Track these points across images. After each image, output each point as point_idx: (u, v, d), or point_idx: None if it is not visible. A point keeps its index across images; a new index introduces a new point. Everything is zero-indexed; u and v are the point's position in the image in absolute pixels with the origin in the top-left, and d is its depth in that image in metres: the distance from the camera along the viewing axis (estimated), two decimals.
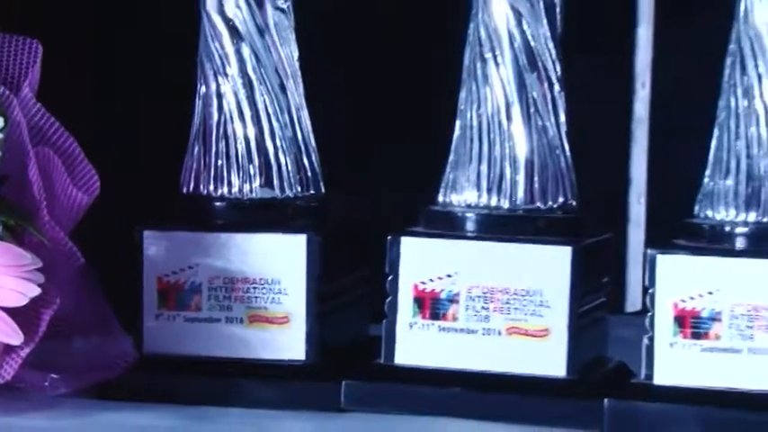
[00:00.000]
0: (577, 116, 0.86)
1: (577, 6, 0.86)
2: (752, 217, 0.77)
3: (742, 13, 0.78)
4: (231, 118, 0.85)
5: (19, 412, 0.77)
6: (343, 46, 0.99)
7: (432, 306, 0.81)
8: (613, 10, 1.34)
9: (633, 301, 1.14)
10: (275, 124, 0.85)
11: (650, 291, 0.78)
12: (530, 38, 0.81)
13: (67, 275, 0.79)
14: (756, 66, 0.78)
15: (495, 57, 0.82)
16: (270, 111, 0.85)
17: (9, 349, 0.76)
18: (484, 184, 0.82)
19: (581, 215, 0.83)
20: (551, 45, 0.82)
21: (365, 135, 0.92)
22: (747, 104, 0.78)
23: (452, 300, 0.80)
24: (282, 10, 0.85)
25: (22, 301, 0.75)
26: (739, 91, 0.78)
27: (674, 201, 0.83)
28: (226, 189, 0.85)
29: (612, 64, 1.34)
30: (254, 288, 0.83)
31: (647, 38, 1.36)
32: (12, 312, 0.76)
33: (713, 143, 0.80)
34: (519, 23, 0.81)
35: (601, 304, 0.83)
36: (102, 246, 0.83)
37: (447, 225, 0.82)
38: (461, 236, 0.81)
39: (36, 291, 0.75)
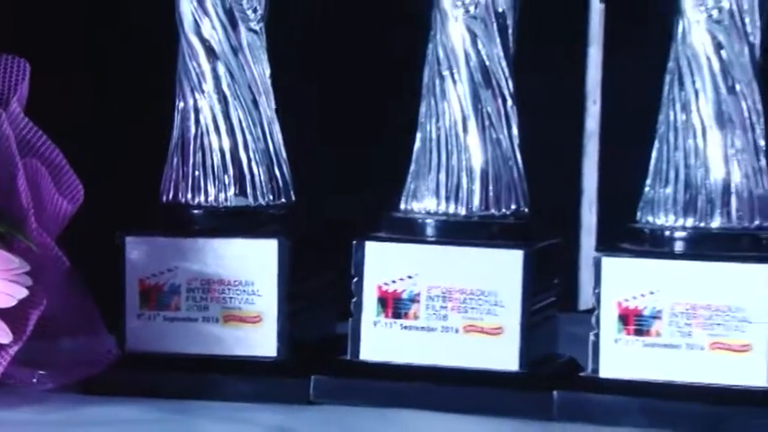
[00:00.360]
0: (534, 131, 0.86)
1: (532, 28, 0.86)
2: (689, 222, 0.78)
3: (680, 35, 0.79)
4: (207, 131, 0.85)
5: (8, 406, 0.77)
6: (312, 64, 0.99)
7: (394, 306, 0.81)
8: (566, 32, 1.34)
9: (585, 301, 1.14)
10: (248, 137, 0.85)
11: (596, 291, 0.78)
12: (484, 57, 0.81)
13: (54, 278, 0.79)
14: (693, 82, 0.78)
15: (452, 74, 0.82)
16: (243, 125, 0.84)
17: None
18: (442, 193, 0.82)
19: (532, 221, 0.83)
20: (504, 64, 0.82)
21: (333, 147, 0.92)
22: (685, 118, 0.78)
23: (413, 300, 0.80)
24: (255, 31, 0.85)
25: (11, 303, 0.75)
26: (678, 106, 0.79)
27: (622, 209, 0.83)
28: (202, 197, 0.85)
29: (566, 82, 1.34)
30: (229, 289, 0.83)
31: (597, 58, 1.36)
32: (1, 313, 0.75)
33: (654, 154, 0.80)
34: (474, 44, 0.81)
35: (551, 303, 0.83)
36: (88, 250, 0.81)
37: (408, 230, 0.82)
38: (422, 240, 0.81)
39: (24, 293, 0.75)
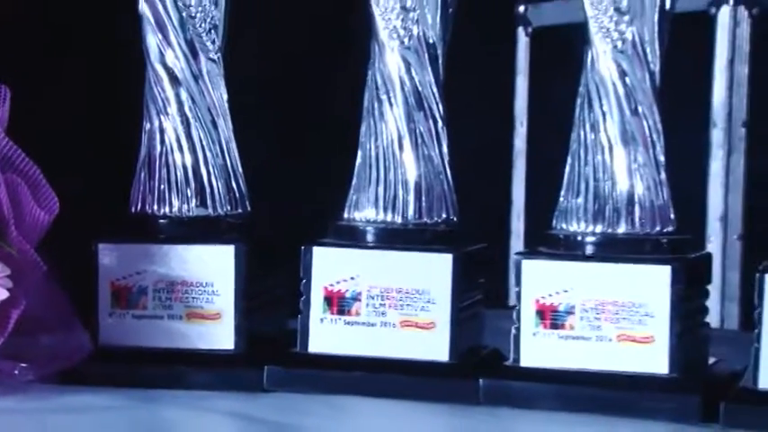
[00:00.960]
0: (469, 149, 0.86)
1: (470, 58, 0.86)
2: (598, 229, 0.78)
3: (589, 63, 0.79)
4: (171, 149, 0.84)
5: None
6: (266, 87, 0.98)
7: (338, 304, 0.81)
8: (498, 62, 1.35)
9: (513, 298, 1.15)
10: (208, 154, 0.84)
11: (516, 289, 0.78)
12: (417, 83, 0.82)
13: (33, 281, 0.78)
14: (601, 105, 0.79)
15: (389, 98, 0.82)
16: (204, 143, 0.84)
17: None
18: (381, 203, 0.82)
19: (461, 229, 0.83)
20: (435, 89, 0.82)
21: (284, 163, 0.92)
22: (594, 137, 0.79)
23: (356, 298, 0.80)
24: (214, 60, 0.84)
25: None
26: (587, 126, 0.79)
27: (546, 218, 0.83)
28: (167, 208, 0.84)
29: (497, 107, 1.35)
30: (192, 290, 0.82)
31: (523, 85, 1.37)
32: None
33: (567, 169, 0.80)
34: (408, 71, 0.81)
35: (478, 301, 0.83)
36: (64, 255, 0.80)
37: (351, 237, 0.82)
38: (362, 246, 0.81)
39: (5, 294, 0.75)
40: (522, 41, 1.33)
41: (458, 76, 0.85)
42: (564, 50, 0.90)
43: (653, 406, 0.75)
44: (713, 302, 1.10)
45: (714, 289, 1.14)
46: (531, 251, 0.80)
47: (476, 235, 0.84)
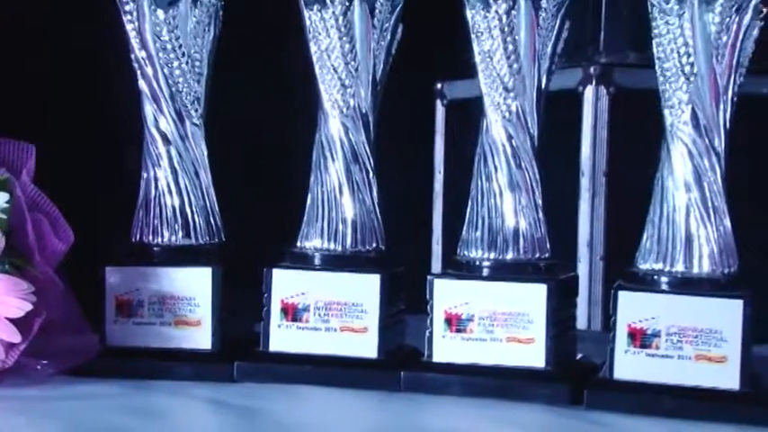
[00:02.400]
0: (399, 192, 0.86)
1: (401, 123, 0.86)
2: (491, 255, 0.78)
3: (485, 128, 0.79)
4: (163, 194, 0.83)
5: (19, 386, 0.75)
6: (243, 147, 0.98)
7: (293, 313, 0.80)
8: (421, 126, 1.36)
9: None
10: (192, 198, 0.83)
11: (430, 302, 0.77)
12: (353, 143, 0.81)
13: (52, 296, 0.77)
14: (494, 161, 0.78)
15: (331, 155, 0.82)
16: (189, 189, 0.83)
17: (11, 345, 0.74)
18: (325, 235, 0.81)
19: (388, 255, 0.82)
20: (367, 147, 0.82)
21: (252, 204, 0.90)
22: (488, 185, 0.79)
23: (306, 309, 0.80)
24: (196, 125, 0.83)
25: (20, 314, 0.74)
26: (483, 176, 0.79)
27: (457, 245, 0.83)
28: (160, 239, 0.83)
29: (421, 159, 1.36)
30: (178, 302, 0.81)
31: (441, 143, 1.38)
32: (13, 321, 0.74)
33: (468, 209, 0.80)
34: (346, 134, 0.81)
35: (401, 310, 0.82)
36: (79, 275, 0.80)
37: (302, 261, 0.81)
38: (311, 268, 0.81)
39: (29, 307, 0.74)
40: (440, 110, 1.35)
41: (389, 136, 0.84)
42: (470, 118, 0.90)
43: (533, 392, 0.74)
44: (581, 309, 1.11)
45: (582, 298, 1.15)
46: (441, 273, 0.80)
47: (403, 259, 0.83)
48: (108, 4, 0.82)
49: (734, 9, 0.72)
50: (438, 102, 1.35)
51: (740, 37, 0.73)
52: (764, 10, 0.74)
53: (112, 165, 0.86)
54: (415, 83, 1.29)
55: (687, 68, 0.73)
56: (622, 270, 0.77)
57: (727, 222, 0.74)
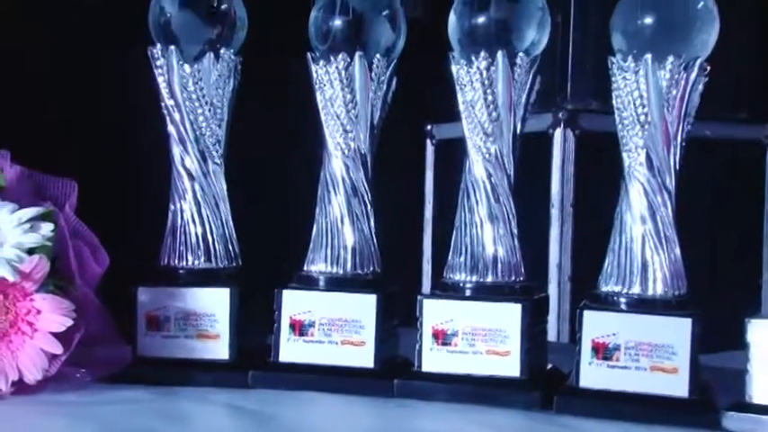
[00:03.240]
0: (394, 219, 0.85)
1: (397, 158, 0.85)
2: (473, 278, 0.77)
3: (467, 167, 0.78)
4: (188, 223, 0.82)
5: (61, 391, 0.74)
6: (255, 181, 0.97)
7: (299, 328, 0.79)
8: (413, 161, 1.36)
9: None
10: (213, 227, 0.82)
11: (419, 319, 0.77)
12: (353, 180, 0.80)
13: (90, 313, 0.76)
14: (476, 195, 0.78)
15: (334, 190, 0.81)
16: (210, 219, 0.82)
17: (54, 356, 0.73)
18: (329, 260, 0.80)
19: (383, 277, 0.82)
20: (366, 184, 0.81)
21: (264, 233, 0.90)
22: (471, 217, 0.78)
23: (311, 325, 0.79)
24: (217, 163, 0.82)
25: (62, 329, 0.73)
26: (467, 209, 0.78)
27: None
28: (184, 263, 0.82)
29: (413, 190, 1.36)
30: (200, 318, 0.80)
31: (431, 177, 1.38)
32: (56, 335, 0.73)
33: (453, 238, 0.79)
34: (347, 172, 0.80)
35: (395, 325, 0.81)
36: (114, 294, 0.80)
37: (308, 283, 0.80)
38: (316, 289, 0.80)
39: (70, 322, 0.73)
40: (430, 148, 1.36)
41: (386, 171, 0.83)
42: (455, 156, 0.90)
43: (509, 398, 0.74)
44: (552, 323, 1.10)
45: (552, 314, 1.14)
46: (430, 293, 0.78)
47: (397, 280, 0.82)
48: (142, 60, 0.82)
49: (682, 67, 0.72)
50: (428, 141, 1.36)
51: (688, 90, 0.73)
52: (708, 68, 0.73)
53: (144, 198, 0.85)
54: (409, 125, 1.29)
55: (642, 117, 0.73)
56: (587, 291, 0.77)
57: (678, 250, 0.73)
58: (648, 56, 0.72)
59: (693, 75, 0.72)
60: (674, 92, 0.72)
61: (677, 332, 0.70)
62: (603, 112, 1.00)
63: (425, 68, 0.81)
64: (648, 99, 0.72)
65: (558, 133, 1.19)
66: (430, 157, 1.35)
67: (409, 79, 0.83)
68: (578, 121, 1.18)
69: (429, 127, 1.34)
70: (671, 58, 0.72)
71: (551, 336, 1.05)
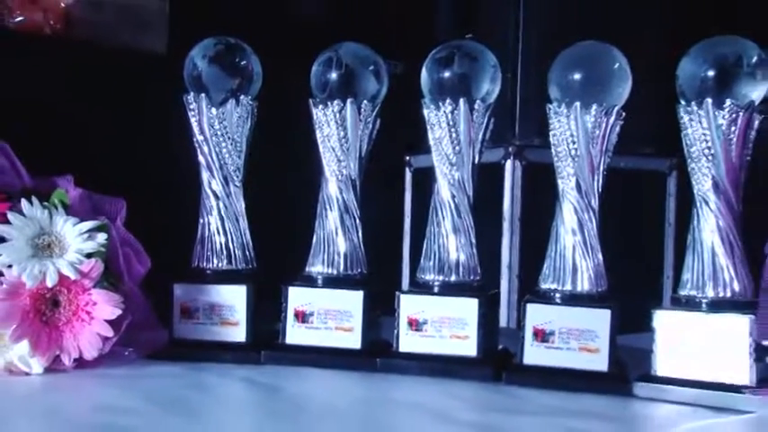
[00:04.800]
0: (377, 232, 0.83)
1: (377, 184, 0.84)
2: (440, 278, 0.77)
3: (436, 190, 0.78)
4: (213, 234, 0.82)
5: (112, 367, 0.74)
6: (267, 200, 0.95)
7: (302, 317, 0.79)
8: (393, 184, 1.34)
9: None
10: (233, 237, 0.82)
11: (397, 310, 0.77)
12: (345, 200, 0.80)
13: (136, 304, 0.76)
14: (442, 212, 0.78)
15: (330, 207, 0.81)
16: (231, 231, 0.82)
17: (107, 338, 0.74)
18: (325, 263, 0.80)
19: (369, 277, 0.81)
20: (355, 203, 0.81)
21: (274, 241, 0.88)
22: (438, 229, 0.78)
23: (311, 314, 0.78)
24: (237, 186, 0.82)
25: (113, 317, 0.73)
26: (435, 223, 0.78)
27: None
28: (211, 265, 0.81)
29: (395, 208, 1.34)
30: (223, 309, 0.80)
31: (409, 197, 1.36)
32: (108, 321, 0.73)
33: (424, 246, 0.79)
34: (341, 193, 0.80)
35: (378, 314, 0.80)
36: (155, 289, 0.80)
37: (309, 281, 0.80)
38: (315, 285, 0.80)
39: (120, 312, 0.73)
40: (408, 174, 1.33)
41: (373, 192, 0.82)
42: (428, 181, 0.90)
43: (468, 373, 0.74)
44: (503, 312, 1.10)
45: (503, 304, 1.14)
46: (406, 290, 0.78)
47: (380, 279, 0.82)
48: (179, 106, 0.82)
49: (603, 113, 0.73)
50: (407, 169, 1.33)
51: (608, 131, 0.73)
52: (623, 114, 0.74)
53: (179, 213, 0.84)
54: (392, 156, 1.27)
55: (573, 151, 0.74)
56: (530, 287, 0.77)
57: (600, 256, 0.74)
58: (577, 104, 0.73)
59: (612, 119, 0.73)
60: (597, 132, 0.73)
61: (599, 320, 0.71)
62: (544, 147, 1.00)
63: (405, 112, 0.81)
64: (578, 137, 0.73)
65: (508, 163, 1.19)
66: (408, 181, 1.33)
67: (392, 120, 0.83)
68: (524, 154, 1.18)
69: (408, 158, 1.32)
70: (595, 106, 0.73)
71: (503, 322, 1.05)
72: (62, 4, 1.07)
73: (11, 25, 1.04)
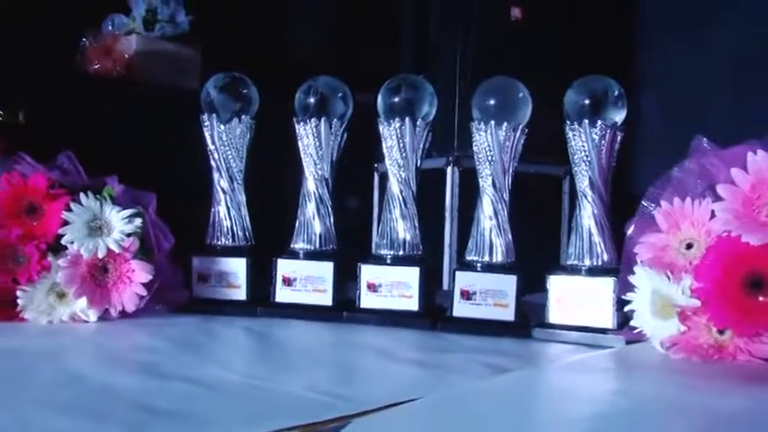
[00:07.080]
0: (349, 219, 0.84)
1: (350, 184, 0.83)
2: (392, 252, 0.78)
3: (388, 186, 0.79)
4: (222, 219, 0.82)
5: (145, 317, 0.76)
6: (262, 194, 0.89)
7: (288, 282, 0.79)
8: (363, 186, 1.30)
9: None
10: (237, 222, 0.82)
11: (359, 277, 0.77)
12: (321, 193, 0.80)
13: (164, 272, 0.77)
14: (393, 204, 0.78)
15: (309, 199, 0.81)
16: (234, 217, 0.82)
17: (142, 297, 0.75)
18: (306, 240, 0.81)
19: (339, 252, 0.81)
20: (329, 196, 0.80)
21: (267, 224, 0.86)
22: (391, 216, 0.78)
23: (295, 280, 0.79)
24: (240, 183, 0.82)
25: (147, 281, 0.75)
26: (388, 211, 0.78)
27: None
28: (220, 243, 0.82)
29: (365, 200, 1.30)
30: (229, 275, 0.81)
31: (376, 195, 1.32)
32: (143, 284, 0.74)
33: (380, 228, 0.79)
34: (317, 189, 0.81)
35: (345, 280, 0.79)
36: (179, 260, 0.80)
37: (293, 255, 0.81)
38: (298, 258, 0.80)
39: (151, 277, 0.75)
40: (376, 178, 1.33)
41: (348, 190, 0.83)
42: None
43: (412, 323, 0.76)
44: (445, 278, 1.10)
45: (445, 273, 1.12)
46: (366, 261, 0.78)
47: (348, 253, 0.81)
48: (197, 125, 0.82)
49: (512, 129, 0.75)
50: (375, 173, 1.33)
51: (515, 143, 0.76)
52: (526, 130, 0.75)
53: (197, 203, 0.85)
54: (363, 163, 1.27)
55: (489, 157, 0.75)
56: (461, 260, 0.79)
57: (510, 236, 0.76)
58: (492, 122, 0.75)
59: (518, 133, 0.76)
60: (508, 143, 0.75)
61: (509, 283, 0.73)
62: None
63: (374, 128, 0.81)
64: (493, 148, 0.75)
65: (449, 169, 1.19)
66: (376, 182, 1.32)
67: (364, 135, 0.83)
68: (461, 161, 1.18)
69: (376, 165, 1.32)
70: (505, 124, 0.75)
71: (445, 285, 1.04)
72: (126, 56, 1.16)
73: (90, 71, 1.16)
